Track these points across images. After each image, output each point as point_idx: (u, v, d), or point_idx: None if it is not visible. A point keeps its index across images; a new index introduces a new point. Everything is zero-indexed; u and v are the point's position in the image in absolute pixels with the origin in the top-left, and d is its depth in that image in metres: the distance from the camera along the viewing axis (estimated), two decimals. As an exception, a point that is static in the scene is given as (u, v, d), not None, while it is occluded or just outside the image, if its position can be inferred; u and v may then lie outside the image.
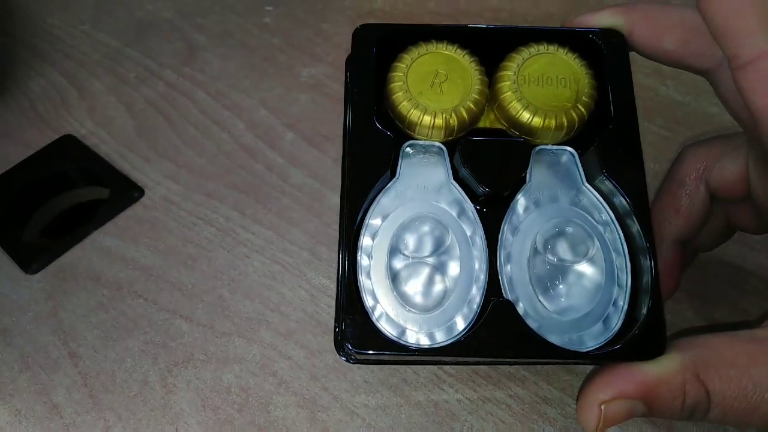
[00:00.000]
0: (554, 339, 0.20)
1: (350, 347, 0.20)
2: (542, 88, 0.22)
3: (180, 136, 0.39)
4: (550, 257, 0.22)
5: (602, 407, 0.19)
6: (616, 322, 0.21)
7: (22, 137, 0.40)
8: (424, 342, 0.21)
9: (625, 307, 0.21)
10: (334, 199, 0.34)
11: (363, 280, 0.21)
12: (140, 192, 0.36)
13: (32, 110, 0.42)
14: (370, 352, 0.20)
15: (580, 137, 0.23)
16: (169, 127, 0.40)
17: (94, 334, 0.30)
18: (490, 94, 0.23)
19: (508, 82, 0.22)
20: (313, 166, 0.36)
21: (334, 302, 0.30)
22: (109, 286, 0.32)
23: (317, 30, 0.45)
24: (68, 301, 0.31)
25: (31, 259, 0.33)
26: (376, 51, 0.23)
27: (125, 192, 0.36)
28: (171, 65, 0.43)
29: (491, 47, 0.23)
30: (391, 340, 0.20)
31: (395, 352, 0.20)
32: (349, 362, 0.23)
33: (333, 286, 0.31)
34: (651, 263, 0.21)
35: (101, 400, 0.28)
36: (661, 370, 0.19)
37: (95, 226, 0.34)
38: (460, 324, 0.21)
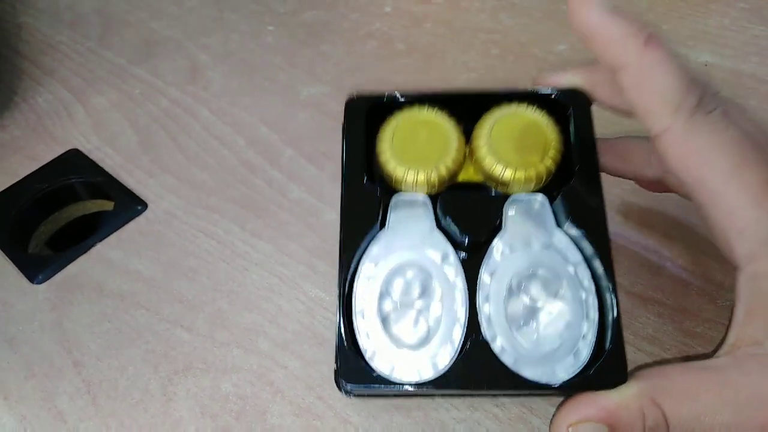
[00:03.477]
0: (528, 372, 0.22)
1: (345, 383, 0.22)
2: (513, 143, 0.25)
3: (182, 152, 0.40)
4: (525, 297, 0.24)
5: (569, 430, 0.21)
6: (586, 353, 0.23)
7: (30, 151, 0.42)
8: (413, 377, 0.23)
9: (594, 340, 0.23)
10: (331, 215, 0.36)
11: (357, 322, 0.24)
12: (143, 205, 0.37)
13: (39, 125, 0.43)
14: (363, 387, 0.23)
15: (552, 184, 0.25)
16: (172, 142, 0.41)
17: (98, 344, 0.31)
18: (468, 150, 0.26)
19: (483, 140, 0.25)
20: (311, 182, 0.37)
21: (329, 314, 0.31)
22: (113, 297, 0.33)
23: (317, 50, 0.47)
24: (73, 311, 0.32)
25: (37, 270, 0.34)
26: (366, 117, 0.26)
27: (129, 205, 0.37)
28: (175, 83, 0.45)
29: (468, 108, 0.26)
30: (382, 377, 0.23)
31: (384, 386, 0.23)
32: (349, 398, 0.25)
33: (328, 299, 0.32)
34: (613, 302, 0.23)
35: (104, 407, 0.29)
36: (620, 396, 0.21)
37: (99, 238, 0.36)
38: (444, 360, 0.23)
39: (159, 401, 0.29)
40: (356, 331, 0.23)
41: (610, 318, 0.23)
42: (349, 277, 0.24)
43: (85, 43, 0.49)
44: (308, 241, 0.34)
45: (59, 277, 0.34)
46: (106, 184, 0.39)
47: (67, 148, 0.41)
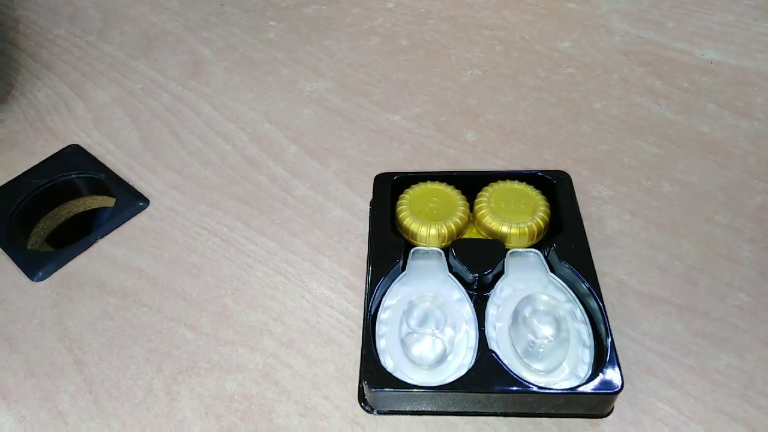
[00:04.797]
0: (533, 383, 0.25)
1: (369, 386, 0.25)
2: (508, 207, 0.31)
3: (185, 148, 0.40)
4: (528, 326, 0.27)
5: None
6: (585, 372, 0.26)
7: (28, 146, 0.41)
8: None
9: (591, 362, 0.26)
10: (335, 212, 0.35)
11: (381, 344, 0.27)
12: (146, 202, 0.37)
13: (39, 120, 0.43)
14: (386, 390, 0.25)
15: (543, 241, 0.30)
16: (174, 138, 0.40)
17: (100, 342, 0.30)
18: (471, 216, 0.31)
19: (484, 204, 0.31)
20: (316, 179, 0.37)
21: (335, 312, 0.31)
22: (115, 295, 0.32)
23: (320, 45, 0.46)
24: (74, 309, 0.32)
25: (36, 267, 0.34)
26: (390, 189, 0.32)
27: (130, 202, 0.36)
28: (176, 78, 0.44)
29: (470, 184, 0.32)
30: (402, 381, 0.25)
31: (402, 389, 0.25)
32: (372, 414, 0.27)
33: (334, 296, 0.31)
34: (606, 329, 0.26)
35: (106, 406, 0.28)
36: None
37: (101, 234, 0.35)
38: (458, 373, 0.26)
39: (162, 401, 0.28)
40: (380, 353, 0.27)
41: (606, 343, 0.25)
42: (373, 308, 0.28)
43: (85, 36, 0.49)
44: (313, 238, 0.34)
45: (59, 274, 0.34)
46: (107, 180, 0.38)
47: (67, 144, 0.41)
